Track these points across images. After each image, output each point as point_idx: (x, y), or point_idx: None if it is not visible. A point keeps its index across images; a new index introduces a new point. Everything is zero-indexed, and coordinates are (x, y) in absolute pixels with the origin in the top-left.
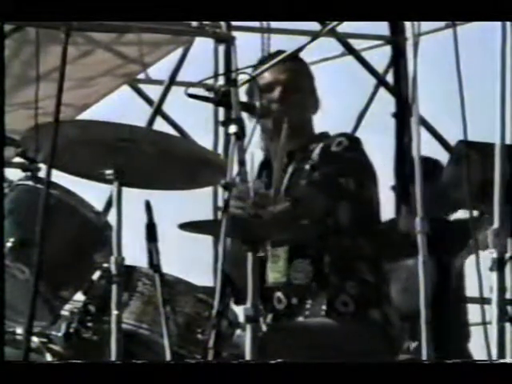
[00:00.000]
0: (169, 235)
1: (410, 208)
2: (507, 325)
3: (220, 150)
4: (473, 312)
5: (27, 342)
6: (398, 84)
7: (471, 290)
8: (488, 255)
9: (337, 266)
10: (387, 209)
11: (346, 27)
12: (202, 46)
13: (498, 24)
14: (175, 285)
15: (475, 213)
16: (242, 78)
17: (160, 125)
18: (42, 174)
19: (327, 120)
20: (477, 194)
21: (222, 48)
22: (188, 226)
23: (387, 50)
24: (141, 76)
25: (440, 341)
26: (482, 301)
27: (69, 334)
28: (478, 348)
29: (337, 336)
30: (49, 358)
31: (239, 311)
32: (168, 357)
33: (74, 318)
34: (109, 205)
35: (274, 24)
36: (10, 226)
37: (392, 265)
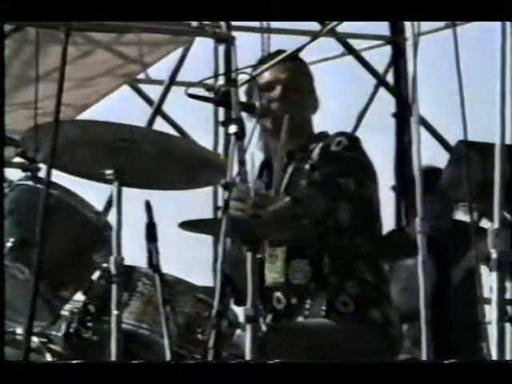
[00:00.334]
0: (169, 235)
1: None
2: (507, 325)
3: (220, 150)
4: None
5: (27, 342)
6: (398, 84)
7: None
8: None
9: (336, 266)
10: (387, 209)
11: (346, 27)
12: (202, 46)
13: (498, 24)
14: (175, 285)
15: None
16: (241, 77)
17: (160, 125)
18: (42, 174)
19: (327, 120)
20: (477, 194)
21: (222, 48)
22: (188, 225)
23: (387, 50)
24: (141, 76)
25: (443, 340)
26: (482, 301)
27: (69, 334)
28: None
29: (336, 336)
30: (49, 358)
31: (239, 311)
32: (168, 357)
33: (73, 317)
34: (109, 205)
35: (274, 24)
36: (10, 226)
37: (392, 265)
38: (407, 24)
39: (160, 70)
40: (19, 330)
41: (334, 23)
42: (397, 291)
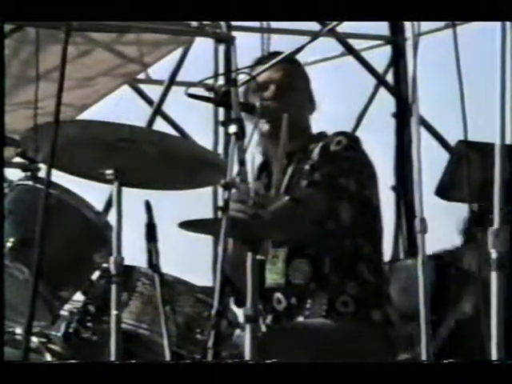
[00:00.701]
0: (169, 235)
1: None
2: None
3: (220, 150)
4: None
5: (26, 342)
6: (398, 84)
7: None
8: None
9: (337, 266)
10: (387, 209)
11: (346, 27)
12: (202, 46)
13: (498, 24)
14: (175, 285)
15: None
16: (241, 77)
17: (160, 125)
18: (42, 174)
19: (327, 120)
20: (477, 193)
21: (222, 48)
22: (188, 225)
23: (387, 49)
24: (141, 76)
25: None
26: (482, 301)
27: (68, 334)
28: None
29: (336, 336)
30: (48, 358)
31: (239, 311)
32: (168, 357)
33: (73, 318)
34: (109, 205)
35: (274, 24)
36: (10, 226)
37: (392, 265)
38: (407, 24)
39: (160, 69)
40: (19, 330)
41: (334, 23)
42: (397, 291)
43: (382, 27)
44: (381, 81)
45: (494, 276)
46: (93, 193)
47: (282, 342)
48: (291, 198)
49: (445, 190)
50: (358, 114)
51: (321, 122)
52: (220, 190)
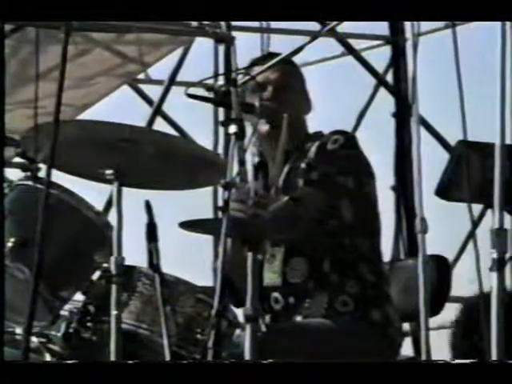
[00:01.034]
0: (169, 235)
1: None
2: None
3: (220, 150)
4: None
5: (26, 342)
6: (398, 84)
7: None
8: (488, 255)
9: (337, 265)
10: (387, 209)
11: (346, 27)
12: (202, 46)
13: (498, 24)
14: (175, 285)
15: (479, 206)
16: (241, 78)
17: (160, 125)
18: (42, 174)
19: (327, 120)
20: (477, 193)
21: (221, 48)
22: (188, 225)
23: (387, 50)
24: (141, 76)
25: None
26: (482, 301)
27: (68, 334)
28: None
29: (336, 336)
30: (48, 358)
31: (239, 311)
32: (168, 357)
33: (73, 318)
34: (109, 205)
35: (274, 24)
36: (10, 226)
37: (392, 265)
38: (407, 24)
39: (160, 69)
40: (19, 330)
41: (334, 23)
42: (397, 291)
43: (382, 27)
44: (381, 81)
45: (494, 276)
46: (93, 193)
47: (281, 342)
48: (291, 197)
49: (445, 190)
50: (357, 114)
51: (321, 121)
52: (220, 189)
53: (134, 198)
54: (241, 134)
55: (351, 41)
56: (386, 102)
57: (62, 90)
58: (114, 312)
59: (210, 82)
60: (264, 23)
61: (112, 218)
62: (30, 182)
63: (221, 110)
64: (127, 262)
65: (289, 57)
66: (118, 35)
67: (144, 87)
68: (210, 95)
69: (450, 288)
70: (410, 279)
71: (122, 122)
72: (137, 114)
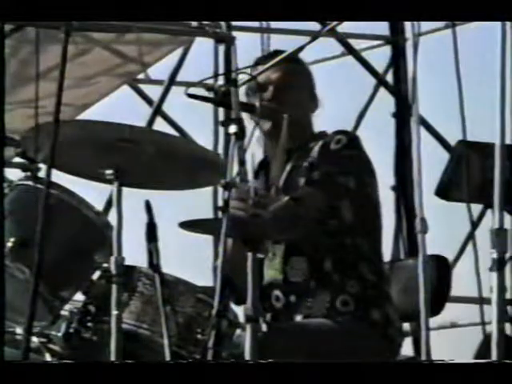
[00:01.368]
0: (169, 235)
1: None
2: (507, 325)
3: (220, 150)
4: (473, 312)
5: (27, 342)
6: (398, 84)
7: (471, 290)
8: (488, 255)
9: (338, 265)
10: (387, 209)
11: (346, 27)
12: (202, 46)
13: (498, 24)
14: (175, 285)
15: (479, 206)
16: (241, 77)
17: (160, 125)
18: (42, 174)
19: (327, 120)
20: (477, 193)
21: (222, 48)
22: (188, 225)
23: (387, 50)
24: (141, 76)
25: None
26: (482, 301)
27: (68, 334)
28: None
29: (336, 336)
30: (48, 358)
31: (239, 311)
32: (168, 357)
33: (73, 317)
34: (109, 205)
35: (274, 24)
36: (10, 226)
37: (392, 265)
38: (407, 24)
39: (160, 69)
40: (19, 330)
41: (334, 23)
42: (397, 291)
43: (382, 27)
44: (381, 81)
45: (494, 276)
46: (93, 193)
47: (281, 342)
48: (291, 197)
49: (445, 190)
50: (357, 114)
51: (320, 121)
52: (220, 189)
53: (134, 198)
54: (241, 134)
55: (351, 41)
56: (385, 101)
57: (61, 90)
58: (114, 312)
59: (210, 81)
60: (264, 23)
61: (112, 218)
62: (30, 182)
63: (221, 110)
64: (127, 262)
65: (288, 57)
66: (117, 35)
67: (144, 87)
68: (210, 95)
69: (450, 288)
70: (410, 279)
71: (122, 122)
72: (137, 114)
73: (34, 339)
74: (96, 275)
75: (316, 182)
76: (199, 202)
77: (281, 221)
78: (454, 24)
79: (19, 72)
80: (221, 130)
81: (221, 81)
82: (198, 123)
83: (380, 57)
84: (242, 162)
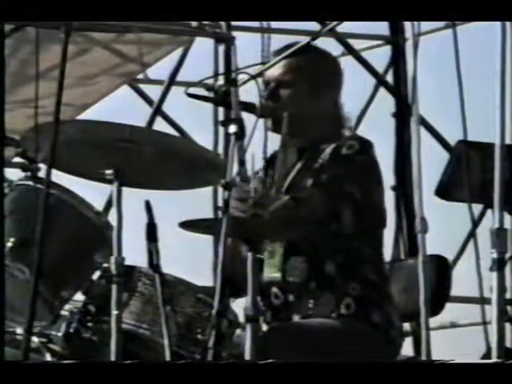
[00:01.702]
0: (169, 235)
1: None
2: (507, 325)
3: (220, 150)
4: (473, 312)
5: (27, 342)
6: (398, 84)
7: (471, 290)
8: (488, 255)
9: (341, 267)
10: (387, 209)
11: (346, 27)
12: (202, 46)
13: (498, 24)
14: (175, 285)
15: (479, 206)
16: (241, 77)
17: (160, 125)
18: (42, 174)
19: None
20: (477, 193)
21: (221, 48)
22: (188, 225)
23: (387, 50)
24: (141, 76)
25: None
26: (482, 301)
27: (69, 334)
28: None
29: (337, 336)
30: (48, 358)
31: (239, 312)
32: (168, 357)
33: (73, 317)
34: (109, 205)
35: (274, 24)
36: (11, 225)
37: (392, 265)
38: (407, 24)
39: (160, 69)
40: (19, 330)
41: (334, 23)
42: (397, 291)
43: (382, 27)
44: (381, 81)
45: (494, 276)
46: (93, 193)
47: (281, 342)
48: (291, 197)
49: (445, 190)
50: (357, 114)
51: None
52: (220, 189)
53: (134, 198)
54: (241, 134)
55: (351, 41)
56: (385, 102)
57: (62, 90)
58: (114, 312)
59: (210, 81)
60: (264, 23)
61: (112, 218)
62: (30, 182)
63: (221, 110)
64: (127, 262)
65: (288, 57)
66: (117, 35)
67: (144, 87)
68: (210, 95)
69: (450, 288)
70: (410, 279)
71: (122, 122)
72: (137, 114)
73: (34, 339)
74: (96, 275)
75: (322, 186)
76: (199, 201)
77: (280, 221)
78: (454, 24)
79: (19, 72)
80: (221, 129)
81: (221, 81)
82: (198, 123)
83: (380, 57)
84: (241, 162)
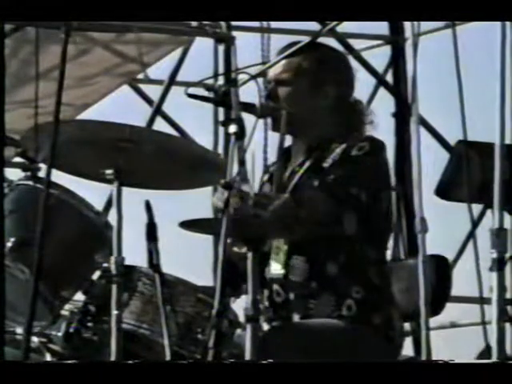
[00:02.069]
0: (169, 235)
1: None
2: (507, 325)
3: (220, 150)
4: (472, 312)
5: (27, 341)
6: (398, 84)
7: (471, 290)
8: (488, 255)
9: (344, 269)
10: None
11: (345, 27)
12: (202, 46)
13: (498, 24)
14: (175, 285)
15: (478, 206)
16: (241, 77)
17: (160, 125)
18: (42, 173)
19: None
20: (477, 193)
21: (221, 48)
22: (188, 225)
23: (387, 49)
24: (141, 76)
25: None
26: (482, 301)
27: (69, 334)
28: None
29: (337, 337)
30: (48, 357)
31: (239, 312)
32: (168, 357)
33: (73, 317)
34: (109, 205)
35: (274, 24)
36: (11, 225)
37: (392, 265)
38: (407, 24)
39: (160, 69)
40: (19, 330)
41: (334, 23)
42: (397, 291)
43: (382, 27)
44: (380, 81)
45: (494, 276)
46: (93, 193)
47: (282, 342)
48: (292, 197)
49: (445, 190)
50: None
51: None
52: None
53: (134, 198)
54: (241, 134)
55: (351, 41)
56: (385, 101)
57: (61, 90)
58: (114, 312)
59: (210, 81)
60: (264, 23)
61: (112, 218)
62: (30, 182)
63: (221, 110)
64: (127, 262)
65: (288, 57)
66: (117, 35)
67: (144, 87)
68: (210, 95)
69: (450, 288)
70: (410, 279)
71: (122, 122)
72: (137, 114)
73: (34, 339)
74: (96, 275)
75: (327, 186)
76: (199, 201)
77: (280, 221)
78: (454, 24)
79: (19, 72)
80: (221, 129)
81: (221, 81)
82: (198, 123)
83: (380, 57)
84: (241, 162)
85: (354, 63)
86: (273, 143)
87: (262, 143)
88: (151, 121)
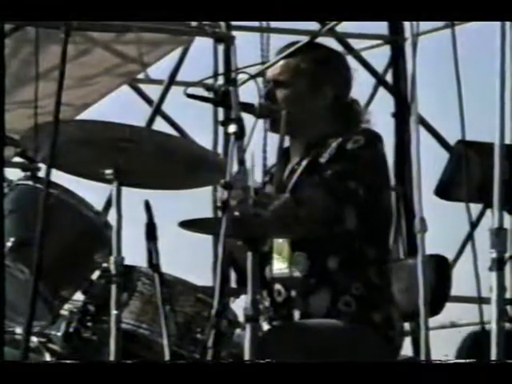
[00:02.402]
0: (168, 235)
1: None
2: (507, 325)
3: (220, 149)
4: (472, 312)
5: (26, 341)
6: (398, 84)
7: (471, 290)
8: (488, 255)
9: (343, 265)
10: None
11: (345, 27)
12: (202, 46)
13: (498, 24)
14: (175, 284)
15: (478, 206)
16: (241, 77)
17: (160, 125)
18: (41, 173)
19: None
20: (476, 193)
21: (221, 48)
22: (188, 225)
23: (386, 49)
24: (140, 76)
25: None
26: (480, 301)
27: (68, 334)
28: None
29: (337, 337)
30: (48, 357)
31: (239, 311)
32: (167, 357)
33: (73, 317)
34: (108, 205)
35: (274, 24)
36: (10, 225)
37: (392, 264)
38: (407, 24)
39: (160, 69)
40: (19, 330)
41: (334, 23)
42: (397, 291)
43: (382, 27)
44: (380, 80)
45: (493, 276)
46: (92, 193)
47: (281, 342)
48: (292, 197)
49: (444, 190)
50: None
51: None
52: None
53: (133, 198)
54: (240, 134)
55: (351, 41)
56: (385, 101)
57: (61, 90)
58: (114, 312)
59: (210, 81)
60: (264, 23)
61: (111, 217)
62: (29, 182)
63: (220, 110)
64: (127, 262)
65: (288, 57)
66: (117, 35)
67: (144, 87)
68: (210, 95)
69: (449, 288)
70: (409, 279)
71: (122, 122)
72: (137, 114)
73: (34, 339)
74: (95, 275)
75: (324, 183)
76: (199, 201)
77: (280, 220)
78: (454, 24)
79: (19, 72)
80: (220, 129)
81: (220, 81)
82: (198, 123)
83: (379, 56)
84: (241, 162)
85: (353, 63)
86: (272, 143)
87: (262, 143)
88: (151, 121)
